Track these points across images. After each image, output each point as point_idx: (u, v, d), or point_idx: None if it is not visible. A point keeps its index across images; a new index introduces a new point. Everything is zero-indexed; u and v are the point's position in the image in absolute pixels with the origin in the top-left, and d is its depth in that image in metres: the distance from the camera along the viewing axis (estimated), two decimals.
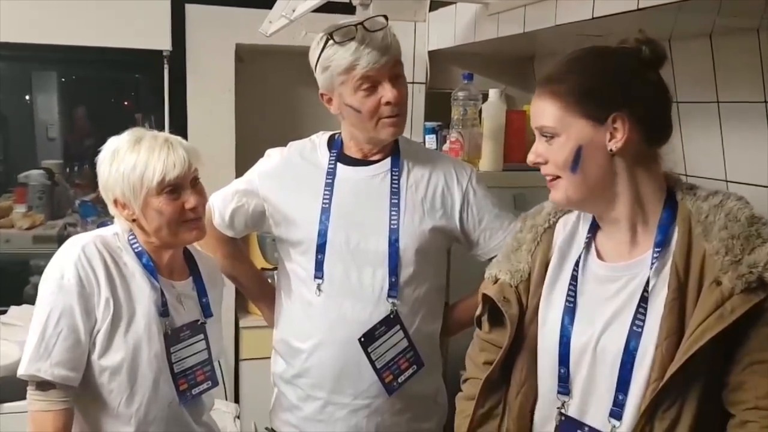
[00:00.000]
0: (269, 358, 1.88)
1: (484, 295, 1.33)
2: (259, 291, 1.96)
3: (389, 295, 1.64)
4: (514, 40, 1.93)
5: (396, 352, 1.65)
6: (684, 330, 1.09)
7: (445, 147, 2.34)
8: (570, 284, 1.24)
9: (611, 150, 1.14)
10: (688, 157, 1.89)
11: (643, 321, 1.13)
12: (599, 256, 1.24)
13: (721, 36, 1.70)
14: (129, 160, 1.48)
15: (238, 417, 2.21)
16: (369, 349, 1.63)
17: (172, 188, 1.49)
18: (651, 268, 1.15)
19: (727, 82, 1.72)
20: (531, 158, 1.21)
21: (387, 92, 1.57)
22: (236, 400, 2.62)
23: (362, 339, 1.63)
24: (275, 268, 2.11)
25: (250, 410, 2.46)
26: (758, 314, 1.06)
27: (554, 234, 1.31)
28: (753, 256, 1.07)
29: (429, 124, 2.51)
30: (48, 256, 1.53)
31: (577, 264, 1.24)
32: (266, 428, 1.86)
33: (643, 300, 1.14)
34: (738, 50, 1.66)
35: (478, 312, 1.37)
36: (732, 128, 1.74)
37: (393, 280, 1.63)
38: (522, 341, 1.29)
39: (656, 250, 1.15)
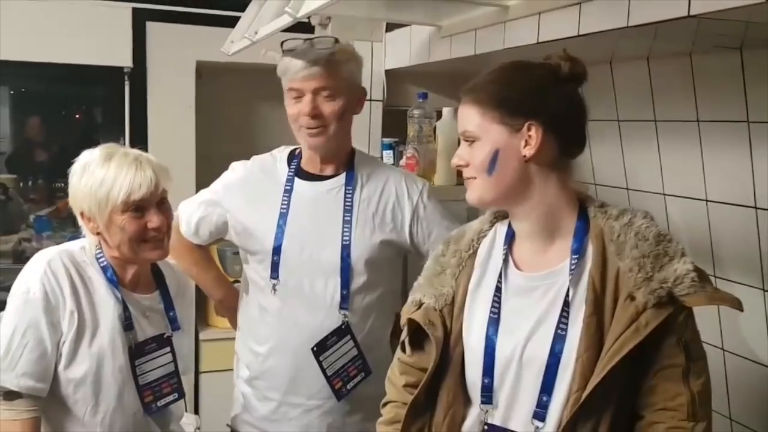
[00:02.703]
0: (229, 370, 1.93)
1: (409, 320, 1.33)
2: (225, 297, 2.01)
3: (341, 307, 1.70)
4: (466, 61, 2.00)
5: (346, 360, 1.72)
6: (602, 343, 1.15)
7: (402, 162, 2.41)
8: (494, 296, 1.27)
9: (525, 156, 1.20)
10: (629, 172, 1.99)
11: (566, 325, 1.18)
12: (517, 267, 1.28)
13: (657, 60, 1.80)
14: (97, 175, 1.50)
15: (199, 428, 2.22)
16: (321, 358, 1.70)
17: (137, 207, 1.51)
18: (570, 276, 1.20)
19: (663, 103, 1.81)
20: (454, 161, 1.27)
21: (304, 105, 1.66)
22: (196, 412, 2.63)
23: (315, 348, 1.69)
24: (235, 281, 2.16)
25: (210, 422, 2.47)
26: (667, 325, 1.14)
27: (476, 257, 1.34)
28: (663, 273, 1.14)
29: (386, 140, 2.58)
30: (3, 272, 1.53)
31: (500, 276, 1.28)
32: (227, 425, 1.91)
33: (566, 304, 1.19)
34: (672, 73, 1.75)
35: (402, 336, 1.37)
36: (668, 145, 1.82)
37: (345, 292, 1.70)
38: (447, 364, 1.30)
39: (574, 257, 1.21)
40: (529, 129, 1.20)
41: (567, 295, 1.19)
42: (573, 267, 1.20)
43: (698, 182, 1.74)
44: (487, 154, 1.22)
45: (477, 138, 1.23)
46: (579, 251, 1.22)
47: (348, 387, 1.73)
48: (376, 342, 1.77)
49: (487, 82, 1.25)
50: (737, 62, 1.55)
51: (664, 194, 1.87)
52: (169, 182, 1.58)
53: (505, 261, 1.29)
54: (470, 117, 1.24)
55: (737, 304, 1.18)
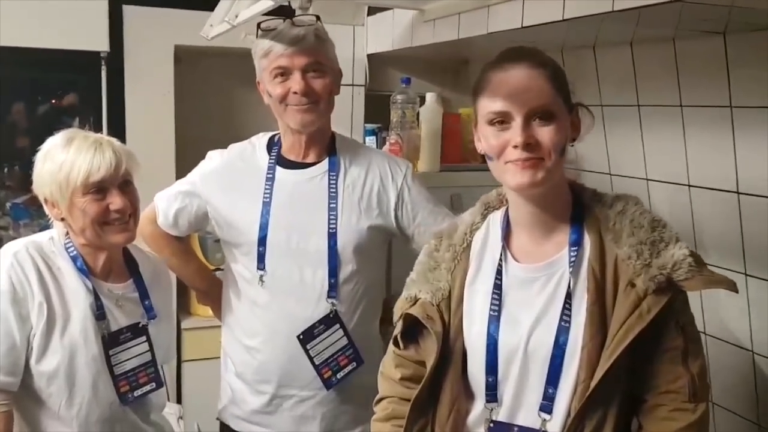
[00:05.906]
0: (211, 359, 1.91)
1: (406, 315, 1.31)
2: (207, 288, 1.98)
3: (329, 296, 1.68)
4: (449, 46, 1.99)
5: (335, 350, 1.70)
6: (605, 331, 1.15)
7: (385, 148, 2.40)
8: (494, 292, 1.25)
9: (573, 139, 1.22)
10: (612, 157, 2.00)
11: (570, 317, 1.17)
12: (515, 259, 1.26)
13: (641, 44, 1.80)
14: (58, 159, 1.49)
15: (182, 417, 2.21)
16: (308, 347, 1.68)
17: (98, 189, 1.50)
18: (570, 266, 1.19)
19: (647, 87, 1.82)
20: (522, 139, 1.14)
21: (295, 83, 1.63)
22: (179, 401, 2.62)
23: (301, 336, 1.68)
24: (217, 269, 2.13)
25: (193, 411, 2.46)
26: (667, 309, 1.14)
27: (471, 251, 1.32)
28: (661, 260, 1.15)
29: (369, 125, 2.57)
30: None
31: (499, 273, 1.26)
32: (217, 418, 1.89)
33: (568, 296, 1.18)
34: (655, 58, 1.76)
35: (396, 331, 1.35)
36: (651, 130, 1.83)
37: (332, 281, 1.68)
38: (448, 359, 1.28)
39: (573, 248, 1.20)
40: (578, 113, 1.22)
41: (569, 285, 1.19)
42: (573, 258, 1.20)
43: (681, 167, 1.75)
44: (564, 133, 1.18)
45: (555, 116, 1.17)
46: (578, 241, 1.21)
47: (338, 376, 1.70)
48: (367, 331, 1.76)
49: (546, 59, 1.20)
50: (720, 47, 1.56)
51: (647, 179, 1.88)
52: (134, 165, 1.57)
53: (503, 254, 1.27)
54: (543, 90, 1.16)
55: (732, 287, 1.18)
